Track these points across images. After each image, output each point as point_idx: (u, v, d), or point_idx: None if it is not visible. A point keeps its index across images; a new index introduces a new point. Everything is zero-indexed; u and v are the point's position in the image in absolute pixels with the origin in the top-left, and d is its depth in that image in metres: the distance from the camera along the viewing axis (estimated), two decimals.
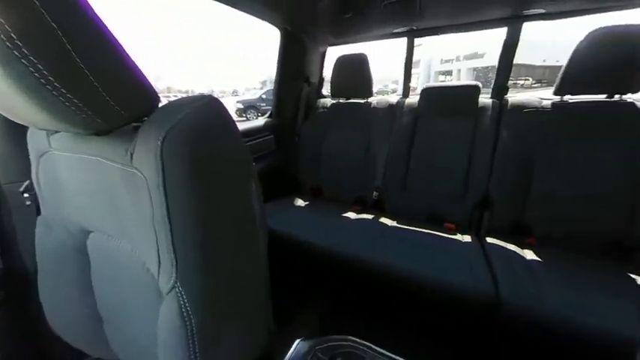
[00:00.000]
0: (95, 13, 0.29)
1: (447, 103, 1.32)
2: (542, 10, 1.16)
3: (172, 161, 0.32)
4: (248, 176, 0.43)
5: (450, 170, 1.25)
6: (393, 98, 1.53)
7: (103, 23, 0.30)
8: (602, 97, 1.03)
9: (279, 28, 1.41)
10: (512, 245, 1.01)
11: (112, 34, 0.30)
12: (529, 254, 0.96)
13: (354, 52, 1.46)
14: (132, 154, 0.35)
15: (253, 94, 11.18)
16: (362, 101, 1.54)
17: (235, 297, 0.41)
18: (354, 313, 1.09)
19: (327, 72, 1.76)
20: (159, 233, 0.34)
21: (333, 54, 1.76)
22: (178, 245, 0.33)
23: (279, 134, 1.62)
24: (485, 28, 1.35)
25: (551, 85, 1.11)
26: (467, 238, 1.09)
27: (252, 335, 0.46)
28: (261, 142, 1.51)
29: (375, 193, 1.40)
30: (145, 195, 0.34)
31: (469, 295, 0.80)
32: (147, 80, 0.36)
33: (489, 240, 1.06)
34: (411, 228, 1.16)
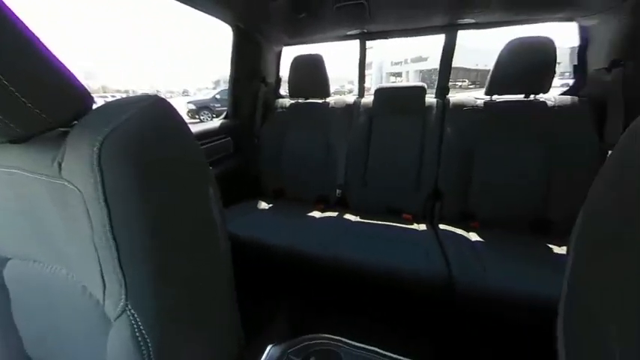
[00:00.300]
0: (11, 11, 0.26)
1: (398, 102, 1.41)
2: (472, 20, 1.33)
3: (114, 169, 0.28)
4: (205, 180, 0.40)
5: (404, 166, 1.35)
6: (350, 98, 1.59)
7: (21, 21, 0.26)
8: (521, 96, 1.21)
9: (231, 26, 1.36)
10: (461, 230, 1.13)
11: (30, 31, 0.27)
12: (474, 236, 1.08)
13: (309, 53, 1.48)
14: (60, 164, 0.30)
15: (206, 95, 10.53)
16: (320, 101, 1.56)
17: (198, 312, 0.38)
18: (325, 311, 1.10)
19: (285, 72, 1.75)
20: (101, 251, 0.30)
21: (290, 55, 1.76)
22: (126, 263, 0.30)
23: (237, 136, 1.56)
24: (427, 34, 1.49)
25: (483, 86, 1.27)
26: (422, 227, 1.19)
27: (221, 350, 0.44)
28: (218, 144, 1.44)
29: (338, 190, 1.44)
30: (81, 210, 0.29)
31: (427, 278, 0.88)
32: (76, 79, 0.31)
33: (441, 227, 1.17)
34: (372, 222, 1.22)
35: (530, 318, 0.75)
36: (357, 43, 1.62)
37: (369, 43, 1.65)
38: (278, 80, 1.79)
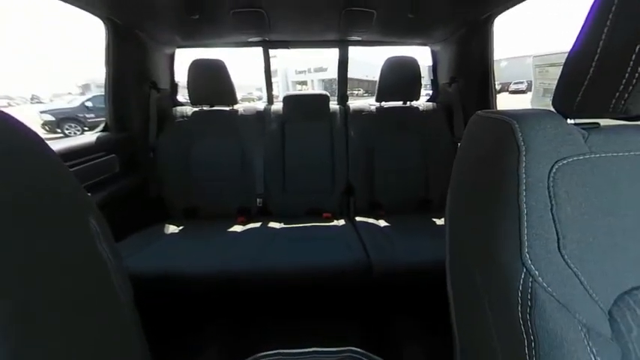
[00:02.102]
0: None
1: (306, 109, 1.50)
2: (358, 38, 1.54)
3: None
4: (82, 212, 0.31)
5: (319, 167, 1.45)
6: (260, 105, 1.57)
7: None
8: (400, 103, 1.50)
9: (102, 19, 1.11)
10: (372, 219, 1.30)
11: None
12: (382, 223, 1.26)
13: (209, 58, 1.37)
14: None
15: (70, 102, 8.19)
16: (227, 108, 1.47)
17: None
18: (259, 325, 1.04)
19: (181, 78, 1.56)
20: None
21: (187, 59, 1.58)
22: None
23: (124, 151, 1.28)
24: (323, 47, 1.65)
25: (374, 94, 1.50)
26: (341, 222, 1.29)
27: None
28: (99, 163, 1.14)
29: (258, 200, 1.39)
30: None
31: (351, 265, 0.97)
32: None
33: (358, 219, 1.30)
34: (296, 226, 1.25)
35: (431, 277, 0.93)
36: (260, 50, 1.62)
37: (272, 52, 1.67)
38: (174, 86, 1.58)
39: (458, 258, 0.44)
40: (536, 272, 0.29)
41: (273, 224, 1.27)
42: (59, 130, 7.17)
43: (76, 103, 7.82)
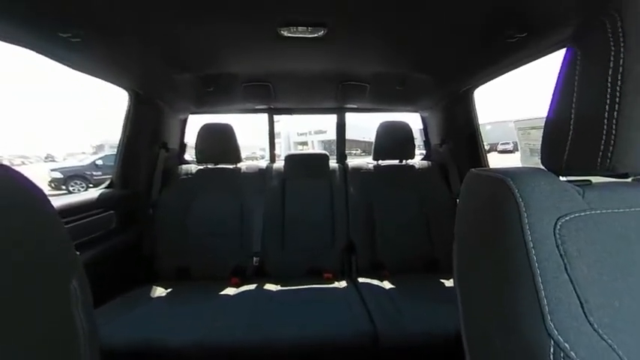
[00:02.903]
0: None
1: (307, 167, 1.56)
2: (354, 105, 1.72)
3: None
4: (65, 274, 0.29)
5: (319, 223, 1.42)
6: (262, 163, 1.64)
7: None
8: (397, 161, 1.57)
9: (127, 90, 1.25)
10: (376, 280, 1.20)
11: None
12: (387, 284, 1.17)
13: (219, 122, 1.50)
14: None
15: (81, 160, 8.59)
16: (231, 166, 1.54)
17: None
18: None
19: (190, 139, 1.68)
20: None
21: (197, 121, 1.72)
22: None
23: (124, 208, 1.28)
24: (323, 114, 1.83)
25: (370, 154, 1.59)
26: (343, 284, 1.20)
27: None
28: (95, 220, 1.12)
29: (254, 259, 1.32)
30: None
31: (355, 338, 0.86)
32: None
33: (360, 280, 1.21)
34: (295, 288, 1.15)
35: (444, 349, 0.82)
36: (265, 116, 1.79)
37: (276, 117, 1.84)
38: (182, 146, 1.68)
39: (473, 324, 0.40)
40: (567, 345, 0.26)
41: (269, 286, 1.17)
42: (64, 187, 7.32)
43: (87, 161, 8.21)
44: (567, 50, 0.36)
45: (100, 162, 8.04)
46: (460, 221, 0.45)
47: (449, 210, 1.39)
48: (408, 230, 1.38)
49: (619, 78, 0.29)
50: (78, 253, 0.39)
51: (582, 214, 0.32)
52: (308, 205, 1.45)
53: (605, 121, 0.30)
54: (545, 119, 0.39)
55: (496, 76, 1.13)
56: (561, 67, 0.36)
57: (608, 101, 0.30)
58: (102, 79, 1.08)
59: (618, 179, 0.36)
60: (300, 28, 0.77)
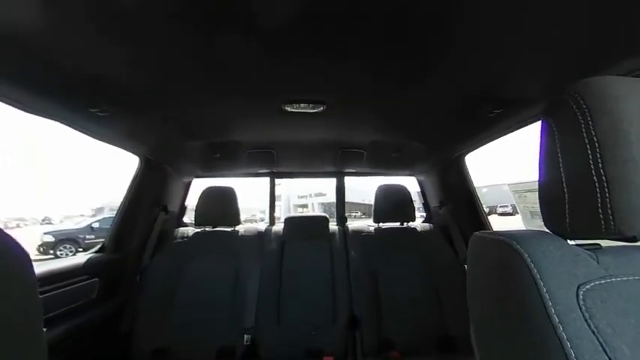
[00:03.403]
0: None
1: (307, 229, 1.53)
2: (352, 170, 1.80)
3: None
4: (25, 350, 0.25)
5: (318, 294, 1.30)
6: (261, 226, 1.61)
7: None
8: (397, 224, 1.54)
9: (138, 156, 1.32)
10: None
11: None
12: None
13: (221, 185, 1.54)
14: None
15: (78, 223, 8.45)
16: (229, 229, 1.50)
17: None
18: None
19: (192, 201, 1.70)
20: None
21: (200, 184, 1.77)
22: None
23: (108, 275, 1.19)
24: (323, 177, 1.90)
25: (370, 216, 1.57)
26: None
27: None
28: (76, 288, 1.03)
29: (246, 337, 1.16)
30: None
31: None
32: None
33: None
34: None
35: None
36: (267, 179, 1.85)
37: (277, 180, 1.90)
38: (183, 209, 1.69)
39: None
40: None
41: None
42: (52, 252, 6.99)
43: (84, 224, 8.08)
44: (542, 122, 0.39)
45: (96, 225, 7.90)
46: (472, 291, 0.41)
47: (457, 275, 1.30)
48: (417, 302, 1.26)
49: (596, 147, 0.31)
50: (45, 329, 0.35)
51: (602, 281, 0.29)
52: (307, 272, 1.36)
53: (597, 185, 0.31)
54: (537, 183, 0.40)
55: (483, 144, 1.22)
56: (541, 136, 0.40)
57: (592, 168, 0.31)
58: (118, 146, 1.16)
59: (628, 243, 0.35)
60: (302, 105, 0.88)
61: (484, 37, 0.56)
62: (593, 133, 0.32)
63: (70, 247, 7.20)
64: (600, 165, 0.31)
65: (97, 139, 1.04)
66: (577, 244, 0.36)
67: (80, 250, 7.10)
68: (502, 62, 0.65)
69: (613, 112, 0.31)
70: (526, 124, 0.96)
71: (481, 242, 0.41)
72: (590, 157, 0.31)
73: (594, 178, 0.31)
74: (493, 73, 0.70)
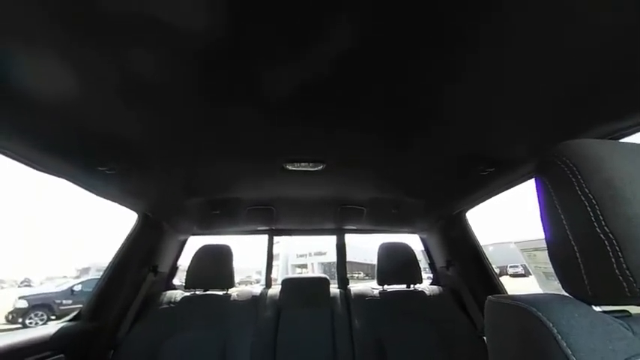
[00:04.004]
0: None
1: (305, 292, 1.41)
2: (353, 227, 1.76)
3: None
4: None
5: None
6: (257, 289, 1.49)
7: None
8: (404, 286, 1.43)
9: (138, 213, 1.30)
10: None
11: None
12: None
13: (217, 243, 1.48)
14: None
15: (58, 286, 7.80)
16: (220, 293, 1.38)
17: None
18: None
19: (183, 261, 1.61)
20: None
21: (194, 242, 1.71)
22: None
23: (77, 350, 1.03)
24: (323, 235, 1.84)
25: (374, 277, 1.47)
26: None
27: None
28: None
29: None
30: None
31: None
32: None
33: None
34: None
35: None
36: (265, 237, 1.79)
37: (276, 238, 1.84)
38: (174, 270, 1.58)
39: None
40: None
41: None
42: (20, 321, 6.25)
43: (65, 286, 7.45)
44: (535, 180, 0.41)
45: (78, 287, 7.29)
46: None
47: (474, 345, 1.14)
48: None
49: (595, 204, 0.31)
50: None
51: None
52: (305, 346, 1.20)
53: (606, 243, 0.30)
54: (545, 242, 0.39)
55: (481, 201, 1.23)
56: (537, 195, 0.40)
57: (596, 226, 0.31)
58: (119, 203, 1.17)
59: None
60: (302, 164, 0.92)
61: (469, 101, 0.63)
62: (587, 191, 0.32)
63: (41, 315, 6.48)
64: (603, 222, 0.30)
65: (100, 196, 1.05)
66: (603, 311, 0.33)
67: (53, 317, 6.37)
68: (488, 124, 0.71)
69: (600, 170, 0.32)
70: (520, 182, 0.99)
71: (498, 308, 0.37)
72: (592, 214, 0.31)
73: (601, 236, 0.30)
74: (481, 134, 0.76)
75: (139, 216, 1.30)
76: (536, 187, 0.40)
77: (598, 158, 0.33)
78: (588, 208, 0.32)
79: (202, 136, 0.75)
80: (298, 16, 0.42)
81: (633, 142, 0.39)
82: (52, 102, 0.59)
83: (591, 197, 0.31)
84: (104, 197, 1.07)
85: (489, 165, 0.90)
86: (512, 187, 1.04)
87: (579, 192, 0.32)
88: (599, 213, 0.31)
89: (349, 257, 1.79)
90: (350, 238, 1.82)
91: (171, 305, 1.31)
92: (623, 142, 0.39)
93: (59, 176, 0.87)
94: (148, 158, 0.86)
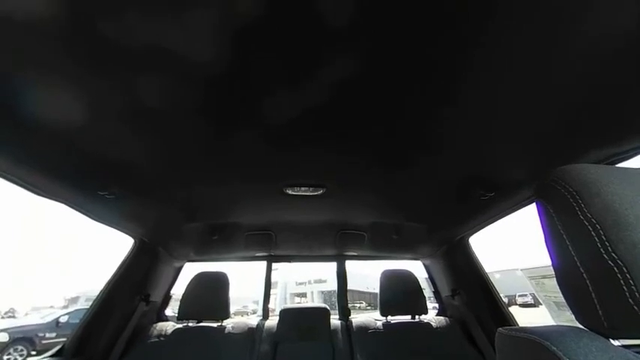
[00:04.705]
0: None
1: (304, 324, 1.33)
2: (354, 253, 1.71)
3: None
4: None
5: None
6: (253, 320, 1.41)
7: None
8: (408, 317, 1.35)
9: (134, 238, 1.27)
10: None
11: None
12: None
13: (213, 271, 1.43)
14: None
15: (44, 317, 7.37)
16: (215, 325, 1.30)
17: None
18: None
19: (177, 289, 1.54)
20: None
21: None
22: None
23: None
24: (322, 261, 1.78)
25: (376, 308, 1.40)
26: None
27: None
28: None
29: None
30: None
31: None
32: None
33: None
34: None
35: None
36: (263, 264, 1.73)
37: (274, 265, 1.78)
38: (167, 299, 1.51)
39: None
40: None
41: None
42: None
43: (50, 317, 7.04)
44: (537, 204, 0.40)
45: (64, 319, 6.89)
46: None
47: None
48: None
49: (598, 229, 0.31)
50: None
51: None
52: None
53: (616, 270, 0.29)
54: (553, 270, 0.38)
55: (484, 226, 1.21)
56: (540, 219, 0.39)
57: (603, 252, 0.30)
58: (116, 228, 1.15)
59: None
60: (302, 188, 0.92)
61: (466, 127, 0.64)
62: (590, 215, 0.32)
63: (21, 350, 6.05)
64: (610, 249, 0.29)
65: (98, 221, 1.04)
66: (623, 346, 0.31)
67: (33, 353, 5.94)
68: (488, 149, 0.73)
69: (600, 195, 0.32)
70: (522, 207, 0.98)
71: (509, 342, 0.35)
72: (597, 239, 0.31)
73: (610, 263, 0.29)
74: (479, 159, 0.77)
75: (135, 241, 1.27)
76: (538, 211, 0.40)
77: (595, 182, 0.33)
78: (593, 233, 0.31)
79: (203, 160, 0.76)
80: (299, 46, 0.44)
81: (630, 166, 0.39)
82: (55, 127, 0.60)
83: (595, 222, 0.31)
84: (102, 222, 1.05)
85: (489, 189, 0.90)
86: (513, 211, 1.03)
87: (581, 216, 0.32)
88: (604, 238, 0.30)
89: (350, 285, 1.71)
90: (351, 266, 1.76)
91: (162, 339, 1.23)
92: (620, 167, 0.39)
93: (58, 200, 0.87)
94: (148, 182, 0.87)
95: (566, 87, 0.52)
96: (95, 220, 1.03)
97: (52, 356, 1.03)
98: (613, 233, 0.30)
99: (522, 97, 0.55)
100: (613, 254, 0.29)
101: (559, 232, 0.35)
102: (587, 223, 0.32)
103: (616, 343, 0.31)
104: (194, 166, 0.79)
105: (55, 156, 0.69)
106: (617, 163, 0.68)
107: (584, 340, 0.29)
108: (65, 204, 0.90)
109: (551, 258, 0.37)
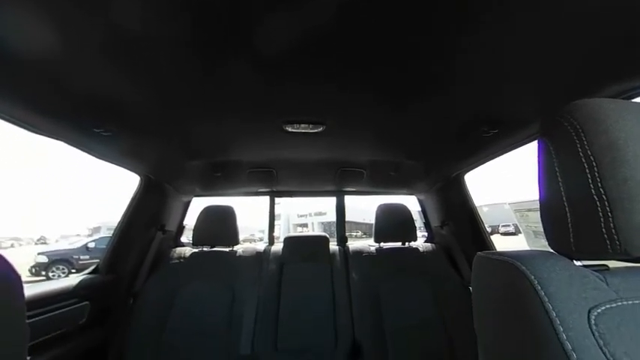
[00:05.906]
0: None
1: (306, 249, 1.50)
2: (352, 189, 1.80)
3: None
4: None
5: (319, 317, 1.25)
6: (260, 246, 1.58)
7: None
8: (399, 244, 1.51)
9: (140, 176, 1.31)
10: None
11: None
12: None
13: (220, 204, 1.53)
14: None
15: (72, 243, 8.27)
16: (227, 249, 1.47)
17: None
18: None
19: (189, 220, 1.68)
20: None
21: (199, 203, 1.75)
22: None
23: (100, 298, 1.14)
24: (323, 196, 1.89)
25: (371, 236, 1.55)
26: None
27: None
28: (65, 313, 0.99)
29: None
30: None
31: None
32: None
33: None
34: None
35: None
36: (267, 198, 1.84)
37: (277, 199, 1.89)
38: (180, 229, 1.66)
39: None
40: None
41: None
42: (44, 273, 6.80)
43: (79, 244, 7.92)
44: (539, 142, 0.40)
45: (92, 245, 7.75)
46: (479, 315, 0.40)
47: (464, 300, 1.25)
48: (423, 329, 1.21)
49: (594, 166, 0.31)
50: (29, 358, 0.33)
51: (613, 305, 0.28)
52: (307, 294, 1.32)
53: (598, 204, 0.31)
54: (538, 203, 0.40)
55: (481, 163, 1.23)
56: (538, 156, 0.40)
57: (592, 187, 0.31)
58: (120, 165, 1.17)
59: (636, 264, 0.34)
60: (302, 125, 0.90)
61: (478, 61, 0.59)
62: (589, 153, 0.32)
63: (62, 269, 7.01)
64: (600, 184, 0.31)
65: (100, 158, 1.05)
66: (584, 265, 0.35)
67: (73, 271, 6.91)
68: (495, 85, 0.68)
69: (607, 131, 0.31)
70: (522, 144, 0.98)
71: (485, 263, 0.40)
72: (589, 176, 0.32)
73: (594, 197, 0.31)
74: (487, 95, 0.73)
75: (141, 178, 1.31)
76: (538, 148, 0.40)
77: (605, 119, 0.32)
78: (587, 170, 0.32)
79: (195, 94, 0.72)
80: None
81: None
82: (35, 61, 0.55)
83: (592, 160, 0.31)
84: (104, 159, 1.07)
85: (493, 126, 0.88)
86: (513, 149, 1.03)
87: (581, 154, 0.32)
88: (596, 175, 0.31)
89: (348, 217, 1.86)
90: (349, 199, 1.87)
91: (182, 260, 1.40)
92: (636, 102, 0.38)
93: (56, 138, 0.86)
94: (143, 119, 0.84)
95: (582, 15, 0.45)
96: (98, 157, 1.04)
97: (90, 273, 1.20)
98: (608, 170, 0.31)
99: (535, 28, 0.49)
100: (601, 190, 0.31)
101: (553, 170, 0.36)
102: (584, 161, 0.32)
103: (578, 263, 0.36)
104: (186, 101, 0.76)
105: (41, 92, 0.66)
106: (635, 98, 0.65)
107: (551, 261, 0.33)
108: (64, 142, 0.89)
109: (539, 192, 0.39)
